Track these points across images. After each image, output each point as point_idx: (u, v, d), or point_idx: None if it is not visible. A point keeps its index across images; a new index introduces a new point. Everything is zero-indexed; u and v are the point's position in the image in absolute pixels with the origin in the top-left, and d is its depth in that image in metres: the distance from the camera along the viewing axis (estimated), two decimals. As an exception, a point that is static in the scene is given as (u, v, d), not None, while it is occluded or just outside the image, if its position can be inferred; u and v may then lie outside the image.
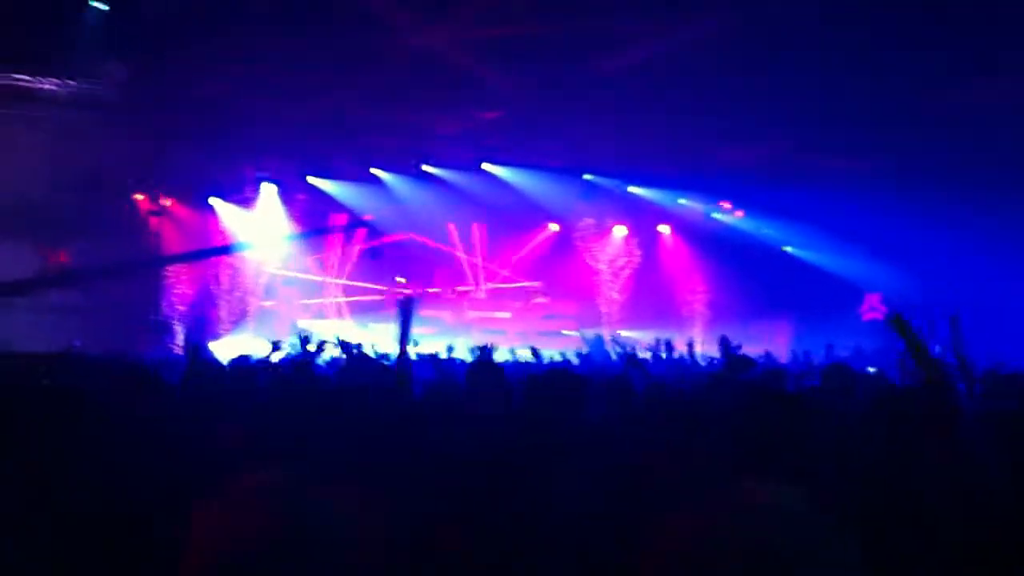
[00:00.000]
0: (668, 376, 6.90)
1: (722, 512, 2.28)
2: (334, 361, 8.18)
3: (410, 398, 4.38)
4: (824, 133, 14.72)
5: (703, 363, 8.77)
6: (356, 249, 20.14)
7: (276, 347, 7.07)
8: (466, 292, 20.93)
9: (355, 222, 19.55)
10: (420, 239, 20.16)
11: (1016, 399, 4.49)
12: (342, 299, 20.36)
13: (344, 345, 6.99)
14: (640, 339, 12.65)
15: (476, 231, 20.95)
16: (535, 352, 9.32)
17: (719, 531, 2.25)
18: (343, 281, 20.29)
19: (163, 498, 2.42)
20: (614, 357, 9.85)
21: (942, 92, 12.84)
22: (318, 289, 20.34)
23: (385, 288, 19.63)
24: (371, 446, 2.83)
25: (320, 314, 19.98)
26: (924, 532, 2.48)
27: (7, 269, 14.17)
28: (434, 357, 8.35)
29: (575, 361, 10.18)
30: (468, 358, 9.20)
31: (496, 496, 2.61)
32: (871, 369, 8.50)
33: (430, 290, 20.27)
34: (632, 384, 4.68)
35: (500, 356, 8.95)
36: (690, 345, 8.76)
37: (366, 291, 19.98)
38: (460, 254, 20.95)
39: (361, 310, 19.87)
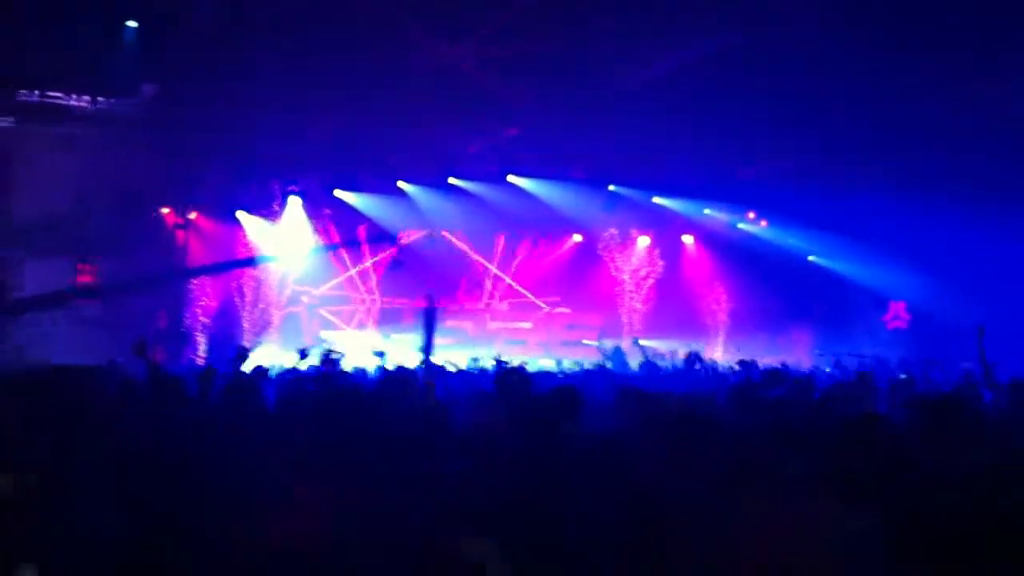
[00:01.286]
0: (697, 389, 6.92)
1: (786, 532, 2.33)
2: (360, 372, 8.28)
3: (434, 410, 4.44)
4: (849, 142, 14.65)
5: (725, 373, 8.80)
6: (379, 260, 20.30)
7: (304, 355, 7.26)
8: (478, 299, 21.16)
9: (380, 234, 19.70)
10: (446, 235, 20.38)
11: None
12: (366, 310, 20.54)
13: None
14: (661, 348, 12.65)
15: (501, 242, 21.13)
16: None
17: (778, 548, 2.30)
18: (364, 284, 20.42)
19: (215, 511, 2.51)
20: (634, 367, 9.87)
21: (967, 99, 12.73)
22: (342, 301, 20.51)
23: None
24: (398, 456, 2.92)
25: (345, 325, 20.15)
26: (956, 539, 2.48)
27: (41, 283, 14.49)
28: (441, 369, 8.43)
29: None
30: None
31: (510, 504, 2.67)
32: (902, 376, 8.55)
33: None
34: (650, 396, 4.70)
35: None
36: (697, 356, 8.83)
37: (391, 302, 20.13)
38: (493, 267, 21.12)
39: (385, 321, 20.03)
